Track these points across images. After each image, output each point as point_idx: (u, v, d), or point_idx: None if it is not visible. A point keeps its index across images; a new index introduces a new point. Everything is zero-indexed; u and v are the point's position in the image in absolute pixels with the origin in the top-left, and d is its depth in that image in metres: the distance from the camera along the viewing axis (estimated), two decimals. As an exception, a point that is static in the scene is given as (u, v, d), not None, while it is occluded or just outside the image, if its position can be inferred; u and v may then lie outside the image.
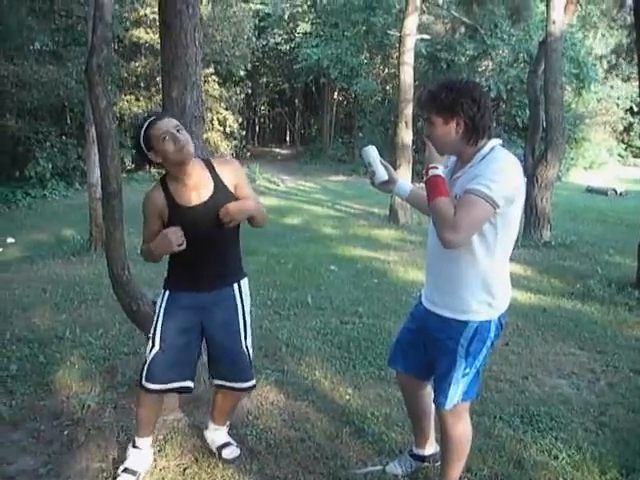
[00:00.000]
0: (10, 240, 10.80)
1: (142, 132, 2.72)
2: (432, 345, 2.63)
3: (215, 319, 2.96)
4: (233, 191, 2.87)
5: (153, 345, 2.89)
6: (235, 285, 3.01)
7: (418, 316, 2.77)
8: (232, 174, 2.90)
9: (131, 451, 3.05)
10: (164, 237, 2.72)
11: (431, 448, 3.09)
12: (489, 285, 2.47)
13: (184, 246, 2.73)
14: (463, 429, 2.70)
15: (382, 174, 2.74)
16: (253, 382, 3.03)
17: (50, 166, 17.21)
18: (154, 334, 2.91)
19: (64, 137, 18.44)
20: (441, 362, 2.58)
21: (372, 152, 2.73)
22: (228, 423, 3.33)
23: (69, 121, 19.37)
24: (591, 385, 4.30)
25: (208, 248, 2.87)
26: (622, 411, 3.87)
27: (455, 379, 2.55)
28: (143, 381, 2.88)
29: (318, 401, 3.90)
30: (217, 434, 3.25)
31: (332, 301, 6.31)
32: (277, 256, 8.84)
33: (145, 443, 3.07)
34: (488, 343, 2.54)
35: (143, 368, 2.90)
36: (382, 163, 2.75)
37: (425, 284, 2.75)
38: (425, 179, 2.38)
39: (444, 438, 2.74)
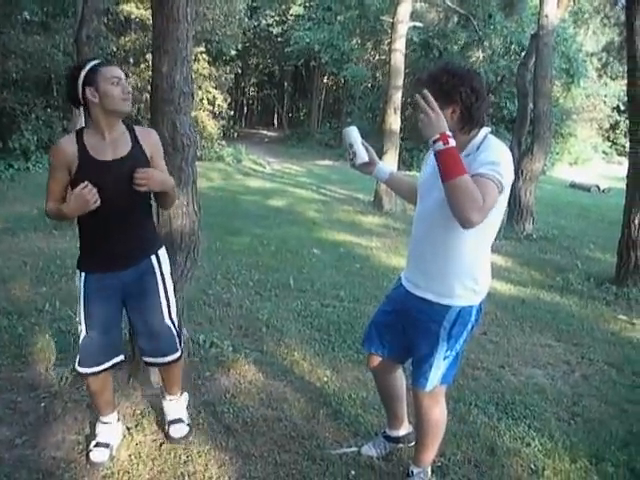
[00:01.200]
0: (-9, 211, 10.70)
1: (91, 65, 2.67)
2: (412, 327, 2.63)
3: (135, 295, 2.92)
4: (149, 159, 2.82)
5: (81, 330, 2.87)
6: (153, 257, 2.95)
7: (397, 298, 2.77)
8: (151, 143, 2.85)
9: (100, 426, 3.08)
10: (78, 197, 2.55)
11: (404, 429, 3.12)
12: (474, 271, 2.49)
13: (99, 203, 2.57)
14: (440, 413, 2.73)
15: (363, 155, 2.70)
16: (176, 355, 3.04)
17: (35, 138, 16.99)
18: (79, 320, 2.88)
19: (49, 109, 18.20)
20: (422, 344, 2.59)
21: (353, 133, 2.69)
22: (186, 395, 3.35)
23: (55, 93, 19.13)
24: (566, 376, 4.36)
25: (120, 214, 2.76)
26: (595, 402, 3.93)
27: (437, 361, 2.56)
28: (76, 366, 2.88)
29: (296, 382, 3.93)
30: (172, 405, 3.24)
31: (314, 284, 6.33)
32: (260, 237, 8.82)
33: (111, 418, 3.09)
34: (469, 327, 2.56)
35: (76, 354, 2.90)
36: (363, 144, 2.71)
37: (407, 267, 2.74)
38: (442, 147, 2.16)
39: (420, 422, 2.76)
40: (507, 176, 2.29)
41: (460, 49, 24.12)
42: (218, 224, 9.13)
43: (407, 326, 2.67)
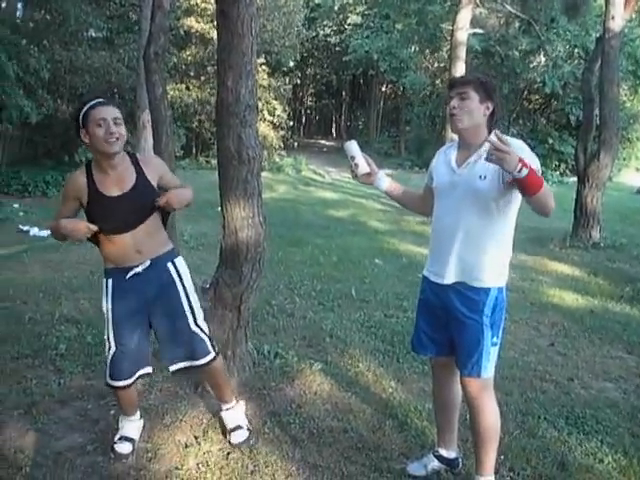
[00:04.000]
0: (60, 223, 11.01)
1: (85, 109, 2.79)
2: (454, 319, 2.70)
3: (159, 306, 3.05)
4: (155, 185, 2.97)
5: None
6: (170, 264, 3.06)
7: (432, 298, 2.82)
8: (155, 169, 3.02)
9: (124, 422, 3.20)
10: (77, 223, 2.81)
11: (455, 451, 3.06)
12: (503, 254, 2.67)
13: (83, 238, 2.82)
14: (493, 408, 2.75)
15: (364, 167, 2.90)
16: (210, 356, 3.10)
17: (100, 151, 17.45)
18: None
19: (114, 122, 18.69)
20: (467, 335, 2.66)
21: (354, 146, 2.90)
22: (242, 402, 3.40)
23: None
24: (639, 390, 4.21)
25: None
26: (671, 418, 3.78)
27: (486, 348, 2.64)
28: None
29: (361, 393, 3.91)
30: (229, 414, 3.31)
31: (376, 294, 6.30)
32: (322, 247, 8.85)
33: (134, 416, 3.23)
34: (504, 311, 2.71)
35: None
36: (364, 156, 2.91)
37: (433, 262, 2.81)
38: (527, 172, 2.30)
39: (476, 419, 2.75)
40: None
41: (522, 55, 23.69)
42: (280, 235, 9.20)
43: (449, 320, 2.74)
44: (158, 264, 3.01)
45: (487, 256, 2.61)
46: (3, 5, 16.84)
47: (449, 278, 2.69)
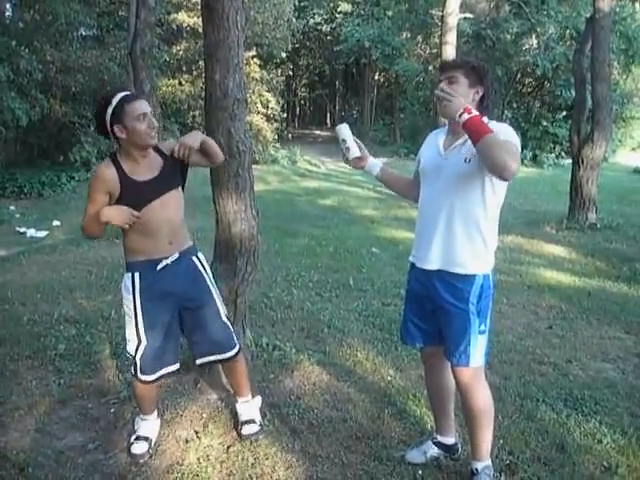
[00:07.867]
0: (56, 223, 10.98)
1: (116, 103, 2.73)
2: (440, 308, 2.68)
3: (191, 300, 3.07)
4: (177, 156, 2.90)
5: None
6: (195, 258, 3.09)
7: (418, 287, 2.81)
8: (172, 147, 2.93)
9: (140, 422, 3.21)
10: (121, 209, 2.75)
11: (454, 437, 3.06)
12: (487, 241, 2.63)
13: (129, 222, 2.76)
14: (485, 396, 2.74)
15: (355, 151, 2.87)
16: (236, 349, 3.17)
17: (94, 150, 17.37)
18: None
19: (108, 121, 18.62)
20: (454, 324, 2.64)
21: (345, 130, 2.87)
22: (258, 398, 3.42)
23: (112, 105, 19.56)
24: (637, 370, 4.22)
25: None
26: (669, 396, 3.79)
27: (473, 337, 2.62)
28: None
29: (360, 382, 3.92)
30: (244, 407, 3.32)
31: (374, 283, 6.31)
32: (318, 238, 8.85)
33: (151, 415, 3.23)
34: (490, 298, 2.68)
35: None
36: (355, 141, 2.89)
37: (419, 249, 2.77)
38: (467, 116, 2.37)
39: (469, 407, 2.74)
40: (518, 147, 2.47)
41: (513, 38, 23.61)
42: (276, 226, 9.20)
43: (436, 309, 2.72)
44: (186, 257, 3.03)
45: (471, 242, 2.59)
46: (-8, 7, 16.78)
47: (433, 263, 2.67)
